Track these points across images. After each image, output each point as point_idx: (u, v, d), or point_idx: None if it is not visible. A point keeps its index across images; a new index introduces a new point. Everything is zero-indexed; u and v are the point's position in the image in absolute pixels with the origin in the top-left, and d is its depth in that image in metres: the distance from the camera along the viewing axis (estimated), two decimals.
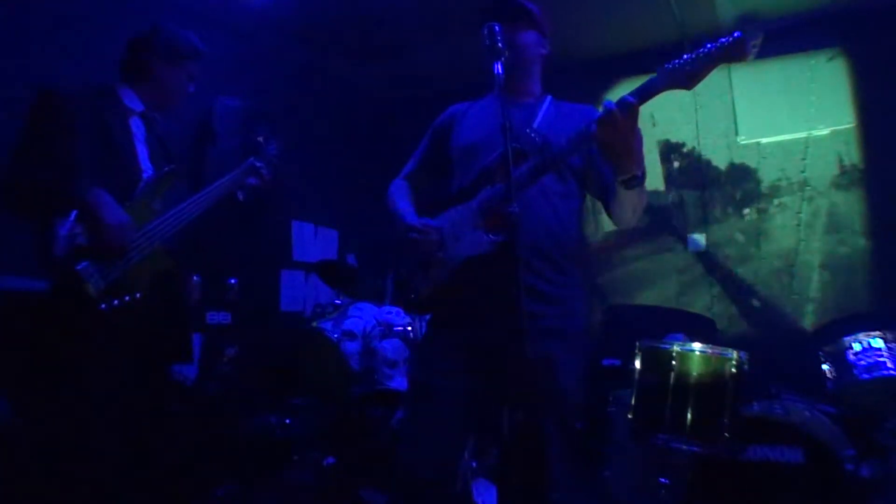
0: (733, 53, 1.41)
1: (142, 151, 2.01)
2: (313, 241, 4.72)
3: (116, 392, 1.81)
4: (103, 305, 1.74)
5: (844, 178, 3.79)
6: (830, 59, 3.86)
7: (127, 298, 1.80)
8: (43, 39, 2.92)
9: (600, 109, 1.57)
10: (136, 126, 2.04)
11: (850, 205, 3.76)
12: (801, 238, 3.83)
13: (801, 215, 3.85)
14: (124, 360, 1.84)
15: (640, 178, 1.64)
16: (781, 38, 3.78)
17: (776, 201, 3.94)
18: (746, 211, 4.03)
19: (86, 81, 2.00)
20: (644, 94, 1.52)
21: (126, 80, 2.08)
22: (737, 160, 4.09)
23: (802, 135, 3.90)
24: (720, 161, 4.14)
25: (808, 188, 3.86)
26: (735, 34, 1.41)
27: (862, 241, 3.70)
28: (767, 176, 3.98)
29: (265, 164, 2.31)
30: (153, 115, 2.10)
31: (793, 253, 3.84)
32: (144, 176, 1.96)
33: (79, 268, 1.72)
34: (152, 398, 1.98)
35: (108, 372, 1.79)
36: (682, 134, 4.25)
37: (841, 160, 3.80)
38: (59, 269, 1.72)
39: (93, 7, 3.05)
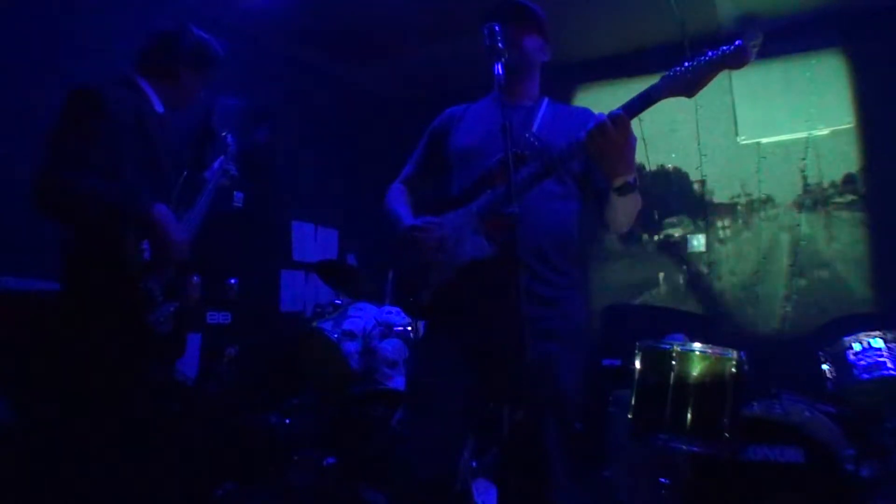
0: (734, 61, 1.43)
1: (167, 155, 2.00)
2: (313, 241, 4.72)
3: (128, 394, 1.81)
4: (153, 317, 1.77)
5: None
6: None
7: (171, 309, 1.83)
8: (45, 37, 2.91)
9: (597, 112, 1.58)
10: (160, 127, 2.00)
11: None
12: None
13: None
14: (145, 364, 1.86)
15: (631, 185, 1.65)
16: (782, 38, 3.77)
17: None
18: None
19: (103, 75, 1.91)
20: (645, 102, 1.53)
21: (146, 75, 2.00)
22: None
23: (802, 135, 3.90)
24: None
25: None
26: (736, 42, 1.42)
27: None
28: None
29: (233, 163, 2.32)
30: (167, 117, 2.05)
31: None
32: (173, 182, 1.97)
33: (149, 285, 1.75)
34: (154, 398, 1.98)
35: (132, 377, 1.80)
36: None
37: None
38: (131, 286, 1.71)
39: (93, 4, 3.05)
